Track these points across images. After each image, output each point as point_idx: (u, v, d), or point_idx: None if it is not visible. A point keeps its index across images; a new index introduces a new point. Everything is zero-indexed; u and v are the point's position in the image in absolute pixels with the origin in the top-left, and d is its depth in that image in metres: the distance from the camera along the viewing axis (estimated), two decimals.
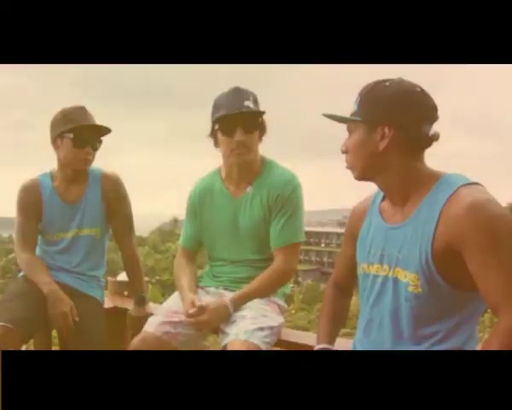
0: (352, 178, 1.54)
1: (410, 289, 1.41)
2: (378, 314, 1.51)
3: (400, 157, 1.44)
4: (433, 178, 1.44)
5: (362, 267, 1.58)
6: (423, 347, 1.42)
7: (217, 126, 2.06)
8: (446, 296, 1.39)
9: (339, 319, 1.73)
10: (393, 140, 1.42)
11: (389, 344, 1.48)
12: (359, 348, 1.58)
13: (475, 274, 1.31)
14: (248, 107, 2.01)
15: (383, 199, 1.58)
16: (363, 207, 1.65)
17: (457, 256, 1.33)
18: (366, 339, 1.55)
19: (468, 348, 1.41)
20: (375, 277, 1.52)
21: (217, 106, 2.06)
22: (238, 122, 2.01)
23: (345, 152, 1.53)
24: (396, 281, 1.46)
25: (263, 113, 2.07)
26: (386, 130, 1.42)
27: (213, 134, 2.10)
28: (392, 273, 1.47)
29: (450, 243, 1.34)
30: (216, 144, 2.12)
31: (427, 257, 1.37)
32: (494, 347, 1.25)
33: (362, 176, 1.52)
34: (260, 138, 2.11)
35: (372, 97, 1.45)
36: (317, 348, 1.65)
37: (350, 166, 1.53)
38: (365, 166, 1.49)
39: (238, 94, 2.03)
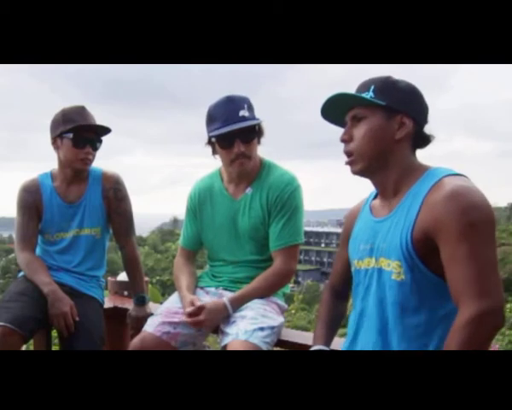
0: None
1: (394, 276, 1.40)
2: (367, 307, 1.50)
3: (406, 151, 1.45)
4: (421, 170, 1.44)
5: (354, 264, 1.58)
6: (408, 337, 1.39)
7: (214, 139, 2.04)
8: (430, 284, 1.36)
9: (334, 322, 1.73)
10: (408, 132, 1.43)
11: (374, 336, 1.46)
12: (348, 342, 1.57)
13: (445, 262, 1.29)
14: (243, 117, 1.97)
15: (375, 197, 1.59)
16: (357, 209, 1.66)
17: (435, 244, 1.31)
18: (357, 331, 1.54)
19: None
20: (366, 271, 1.52)
21: (211, 118, 2.03)
22: (236, 135, 1.98)
23: (346, 141, 1.48)
24: (380, 271, 1.45)
25: (259, 122, 2.03)
26: (406, 119, 1.42)
27: (211, 144, 2.08)
28: (376, 264, 1.47)
29: (428, 229, 1.33)
30: (214, 153, 2.10)
31: (408, 243, 1.36)
32: (454, 345, 1.22)
33: (365, 168, 1.47)
34: (258, 142, 2.09)
35: (391, 85, 1.45)
36: (312, 349, 1.65)
37: (355, 156, 1.46)
38: (374, 156, 1.44)
39: (232, 104, 1.99)
